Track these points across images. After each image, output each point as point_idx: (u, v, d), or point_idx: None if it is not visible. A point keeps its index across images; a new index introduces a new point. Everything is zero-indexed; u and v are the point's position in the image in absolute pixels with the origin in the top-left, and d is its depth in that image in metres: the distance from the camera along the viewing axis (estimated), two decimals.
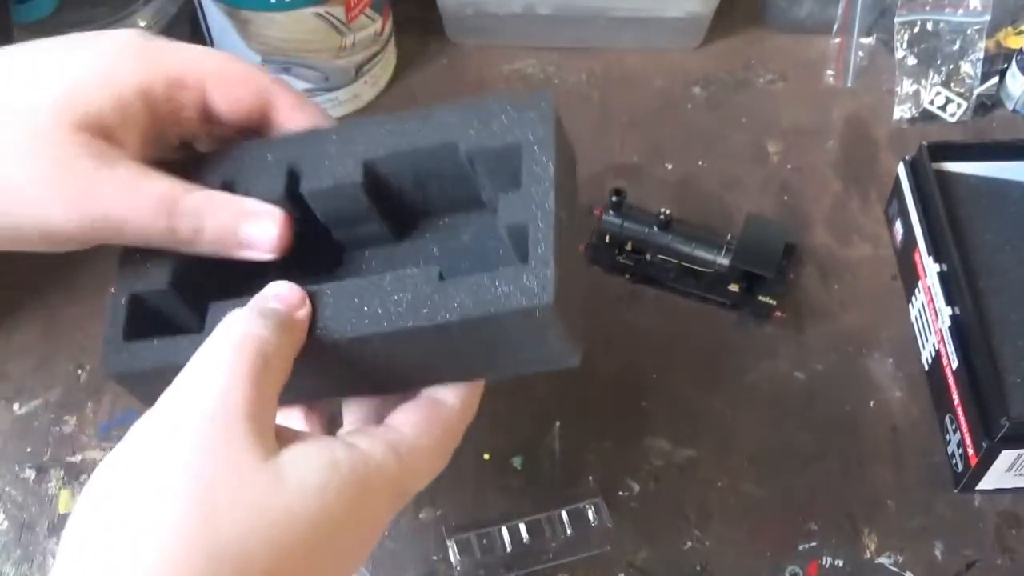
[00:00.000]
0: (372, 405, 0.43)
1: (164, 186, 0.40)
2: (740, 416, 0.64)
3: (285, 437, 0.36)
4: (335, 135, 0.44)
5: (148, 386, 0.39)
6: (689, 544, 0.60)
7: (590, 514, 0.60)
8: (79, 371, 0.67)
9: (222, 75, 0.42)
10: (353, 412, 0.44)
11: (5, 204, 0.38)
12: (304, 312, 0.39)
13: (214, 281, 0.44)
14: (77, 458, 0.63)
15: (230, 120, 0.43)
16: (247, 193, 0.43)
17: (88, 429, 0.64)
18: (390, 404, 0.42)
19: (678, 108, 0.79)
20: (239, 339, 0.36)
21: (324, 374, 0.42)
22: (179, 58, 0.41)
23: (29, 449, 0.64)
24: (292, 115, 0.44)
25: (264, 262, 0.42)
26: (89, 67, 0.39)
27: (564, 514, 0.59)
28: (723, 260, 0.66)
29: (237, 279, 0.43)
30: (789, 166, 0.76)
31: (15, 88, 0.39)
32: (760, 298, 0.67)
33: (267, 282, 0.40)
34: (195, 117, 0.42)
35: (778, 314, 0.67)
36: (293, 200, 0.44)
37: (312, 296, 0.40)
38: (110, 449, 0.63)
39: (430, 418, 0.40)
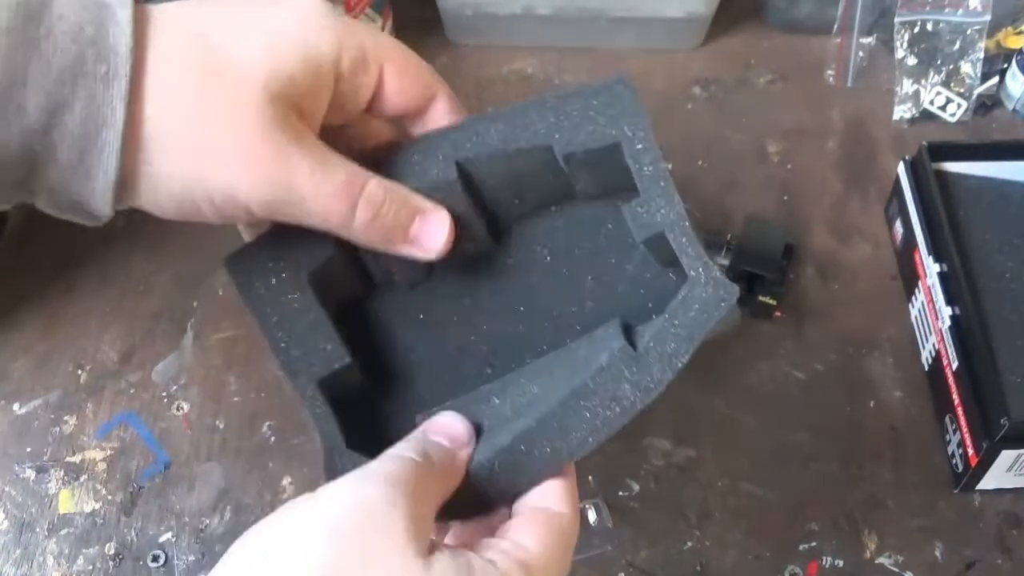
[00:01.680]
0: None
1: (350, 168, 0.39)
2: (740, 416, 0.64)
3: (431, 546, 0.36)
4: (423, 142, 0.43)
5: None
6: (689, 544, 0.60)
7: (590, 514, 0.60)
8: (79, 371, 0.67)
9: (401, 62, 0.41)
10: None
11: (196, 165, 0.37)
12: (466, 452, 0.39)
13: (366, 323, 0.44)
14: (77, 458, 0.63)
15: (390, 110, 0.43)
16: None
17: (88, 429, 0.64)
18: (499, 514, 0.41)
19: (678, 108, 0.79)
20: (403, 461, 0.36)
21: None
22: (365, 37, 0.40)
23: (29, 449, 0.64)
24: (445, 116, 0.43)
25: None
26: (291, 31, 0.38)
27: None
28: (723, 260, 0.66)
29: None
30: (789, 166, 0.76)
31: (218, 45, 0.37)
32: (760, 298, 0.67)
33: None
34: (365, 102, 0.42)
35: (778, 314, 0.68)
36: None
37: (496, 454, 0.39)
38: (110, 449, 0.63)
39: (551, 532, 0.39)
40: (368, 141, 0.45)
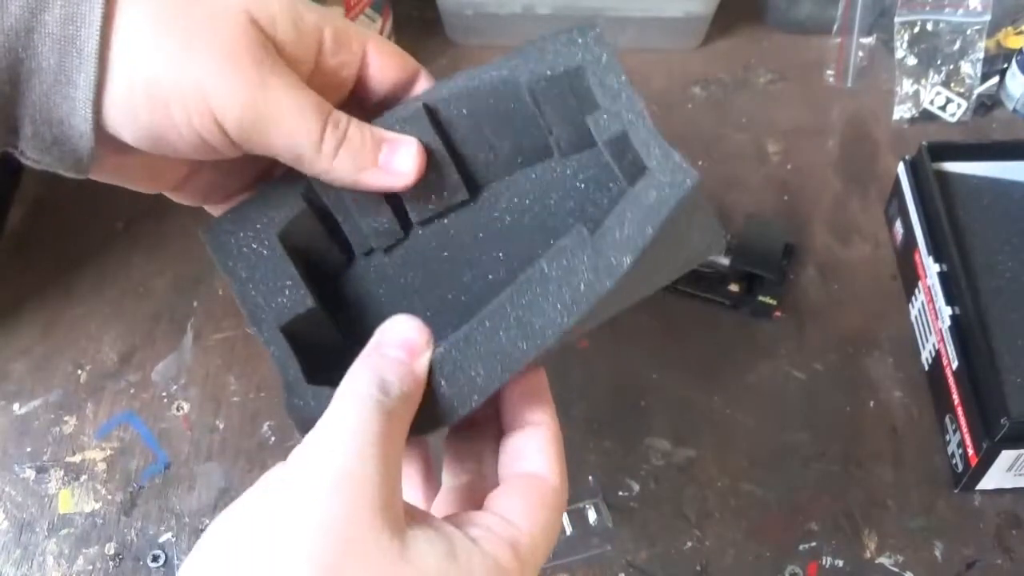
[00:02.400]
0: (471, 471, 0.41)
1: (318, 96, 0.40)
2: (740, 416, 0.64)
3: (410, 515, 0.35)
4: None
5: None
6: (689, 544, 0.60)
7: (590, 514, 0.60)
8: (79, 371, 0.67)
9: (381, 45, 0.43)
10: (451, 478, 0.42)
11: (174, 65, 0.37)
12: (426, 358, 0.38)
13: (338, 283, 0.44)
14: (77, 458, 0.63)
15: (375, 93, 0.44)
16: None
17: (88, 429, 0.64)
18: (489, 476, 0.40)
19: (678, 108, 0.79)
20: (364, 404, 0.35)
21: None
22: (348, 22, 0.42)
23: (29, 449, 0.64)
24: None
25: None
26: None
27: (564, 514, 0.59)
28: (723, 260, 0.66)
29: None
30: (789, 166, 0.76)
31: None
32: (760, 298, 0.67)
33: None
34: (351, 80, 0.43)
35: (778, 314, 0.68)
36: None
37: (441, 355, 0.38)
38: (110, 449, 0.63)
39: (540, 504, 0.38)
40: None
